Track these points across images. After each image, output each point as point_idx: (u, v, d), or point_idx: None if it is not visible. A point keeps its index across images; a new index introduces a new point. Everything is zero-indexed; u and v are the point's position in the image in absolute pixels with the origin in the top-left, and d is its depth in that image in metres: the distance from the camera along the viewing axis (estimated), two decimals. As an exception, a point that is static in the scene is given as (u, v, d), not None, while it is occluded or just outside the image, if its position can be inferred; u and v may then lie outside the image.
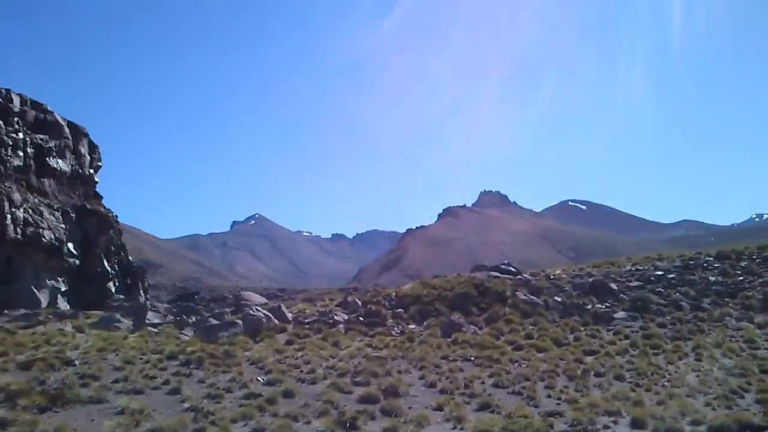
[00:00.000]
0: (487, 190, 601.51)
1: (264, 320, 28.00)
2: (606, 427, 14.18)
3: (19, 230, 48.30)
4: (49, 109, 59.16)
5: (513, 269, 40.45)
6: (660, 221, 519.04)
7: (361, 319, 29.94)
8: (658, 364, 21.72)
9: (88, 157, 62.92)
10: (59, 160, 57.53)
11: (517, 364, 21.82)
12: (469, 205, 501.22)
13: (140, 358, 20.88)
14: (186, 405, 15.11)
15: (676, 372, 20.64)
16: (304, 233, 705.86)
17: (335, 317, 29.89)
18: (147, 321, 30.49)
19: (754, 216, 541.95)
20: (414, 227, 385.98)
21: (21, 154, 52.93)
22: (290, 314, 31.12)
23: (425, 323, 29.44)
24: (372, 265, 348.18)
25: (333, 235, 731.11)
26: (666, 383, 19.08)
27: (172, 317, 32.23)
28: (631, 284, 36.15)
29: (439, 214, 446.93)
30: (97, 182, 64.90)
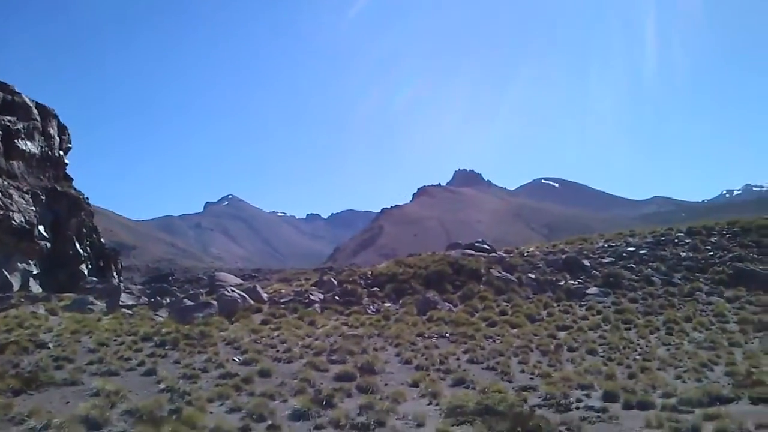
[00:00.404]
0: (461, 168, 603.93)
1: (239, 301, 27.96)
2: (579, 400, 14.42)
3: (-13, 213, 47.52)
4: (16, 90, 57.95)
5: (487, 247, 40.73)
6: (632, 198, 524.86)
7: (337, 298, 30.01)
8: (629, 339, 22.12)
9: (58, 139, 61.83)
10: (28, 142, 56.47)
11: (491, 340, 22.08)
12: (443, 184, 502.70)
13: (114, 340, 20.76)
14: (162, 386, 15.06)
15: (647, 346, 21.02)
16: (279, 213, 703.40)
17: (311, 297, 29.93)
18: (121, 303, 30.29)
19: (725, 192, 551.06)
20: (389, 206, 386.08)
21: (-13, 136, 51.89)
22: (266, 294, 31.09)
23: (401, 301, 29.61)
24: (347, 244, 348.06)
25: (308, 215, 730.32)
26: (637, 357, 19.43)
27: (146, 299, 32.05)
28: (603, 260, 36.60)
29: (414, 194, 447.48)
30: (67, 164, 63.84)
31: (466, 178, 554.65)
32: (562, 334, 23.07)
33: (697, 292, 29.81)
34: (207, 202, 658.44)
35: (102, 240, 64.56)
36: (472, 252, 38.64)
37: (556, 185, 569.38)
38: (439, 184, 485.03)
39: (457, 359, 19.07)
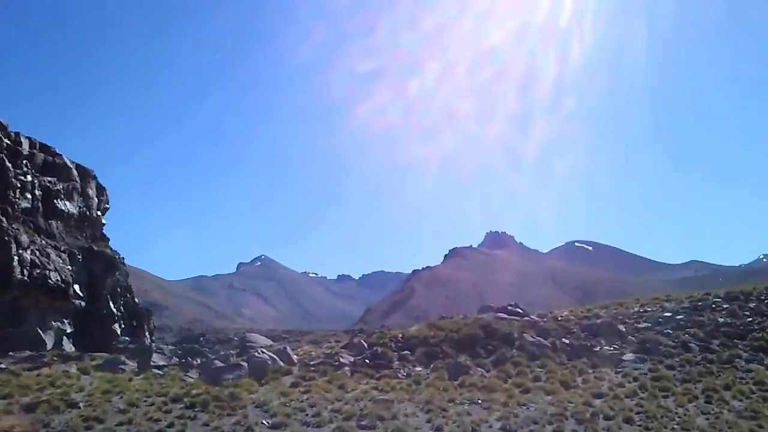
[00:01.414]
0: (492, 230, 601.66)
1: (269, 362, 27.86)
2: (616, 471, 13.98)
3: (26, 272, 48.38)
4: (57, 152, 59.75)
5: (520, 310, 40.26)
6: (667, 262, 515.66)
7: (367, 361, 29.74)
8: (667, 407, 21.47)
9: (96, 199, 63.31)
10: (67, 202, 57.88)
11: (525, 407, 21.60)
12: (475, 245, 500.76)
13: (145, 401, 20.77)
14: (190, 448, 14.97)
15: (685, 415, 20.38)
16: (311, 274, 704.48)
17: (341, 359, 29.71)
18: (152, 363, 30.37)
19: (762, 257, 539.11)
20: (420, 268, 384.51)
21: (29, 196, 53.30)
22: (296, 356, 30.95)
23: (432, 365, 29.22)
24: (378, 305, 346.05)
25: (339, 276, 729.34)
26: (675, 426, 18.85)
27: (177, 359, 32.10)
28: (639, 325, 35.89)
29: (445, 255, 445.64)
30: (104, 224, 65.16)
31: (498, 240, 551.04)
32: (597, 402, 22.49)
33: (737, 359, 28.92)
34: (240, 263, 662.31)
35: (136, 300, 65.24)
36: (505, 315, 38.20)
37: (590, 248, 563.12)
38: (471, 245, 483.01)
39: (490, 427, 18.68)
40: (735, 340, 32.10)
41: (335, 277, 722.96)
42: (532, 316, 39.45)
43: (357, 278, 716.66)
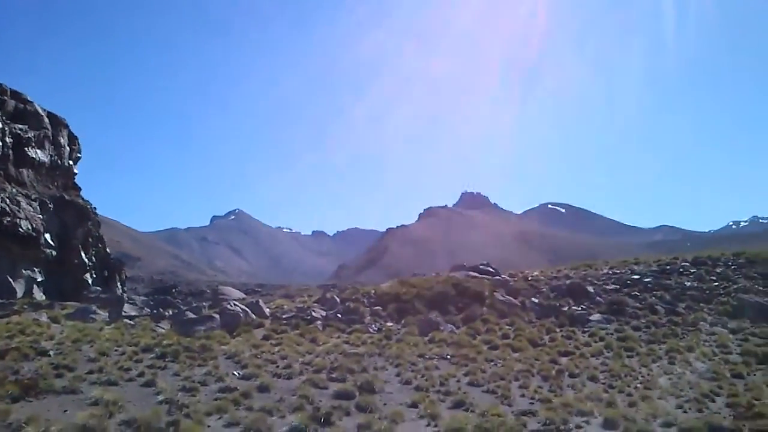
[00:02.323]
0: (468, 191, 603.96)
1: (241, 315, 27.93)
2: (578, 426, 14.32)
3: (-5, 219, 47.74)
4: (29, 99, 58.51)
5: (491, 270, 40.68)
6: (639, 226, 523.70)
7: (339, 316, 29.96)
8: (631, 367, 21.95)
9: (68, 149, 62.32)
10: (38, 151, 56.91)
11: (492, 363, 21.96)
12: (450, 205, 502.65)
13: (115, 350, 20.77)
14: (160, 397, 15.04)
15: (649, 374, 20.86)
16: (285, 230, 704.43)
17: (313, 314, 29.88)
18: (123, 313, 30.32)
19: (731, 223, 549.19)
20: (395, 226, 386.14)
21: (-1, 143, 52.32)
22: (268, 310, 31.05)
23: (403, 321, 29.52)
24: (352, 262, 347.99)
25: (314, 232, 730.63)
26: (639, 385, 19.29)
27: (149, 310, 32.06)
28: (607, 287, 36.50)
29: (420, 214, 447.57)
30: (76, 173, 64.31)
31: (473, 201, 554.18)
32: (563, 360, 22.93)
33: (701, 323, 29.62)
34: (213, 216, 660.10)
35: (107, 250, 64.83)
36: (477, 274, 38.59)
37: (563, 211, 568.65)
38: (446, 205, 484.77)
39: (458, 381, 18.98)
40: (701, 304, 32.85)
41: (310, 233, 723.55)
42: (502, 276, 39.90)
43: (331, 234, 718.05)
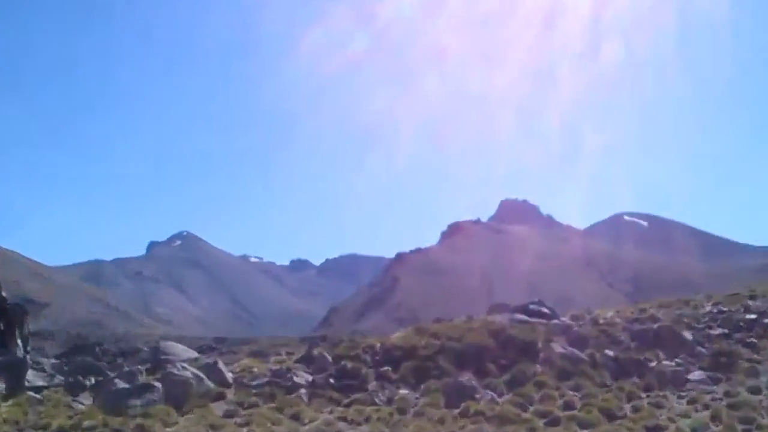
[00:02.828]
0: (509, 198, 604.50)
1: (193, 383, 27.83)
2: None
3: None
4: None
5: (546, 310, 40.56)
6: (752, 243, 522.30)
7: (332, 380, 29.85)
8: (750, 446, 21.77)
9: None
10: None
11: (552, 445, 21.83)
12: (484, 219, 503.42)
13: (15, 438, 20.70)
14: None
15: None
16: (252, 259, 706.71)
17: (295, 379, 29.78)
18: (27, 383, 30.22)
19: None
20: (408, 251, 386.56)
21: None
22: (231, 374, 30.98)
23: (423, 387, 29.38)
24: (348, 303, 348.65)
25: (293, 261, 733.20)
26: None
27: (63, 378, 31.98)
28: (712, 332, 36.32)
29: (443, 233, 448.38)
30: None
31: (517, 212, 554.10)
32: (653, 438, 22.77)
33: None
34: (151, 242, 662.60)
35: (3, 294, 64.85)
36: (525, 317, 38.49)
37: (645, 224, 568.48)
38: (479, 219, 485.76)
39: (503, 473, 18.86)
40: None
41: (287, 264, 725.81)
42: (562, 319, 39.79)
43: (318, 265, 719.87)
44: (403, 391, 29.14)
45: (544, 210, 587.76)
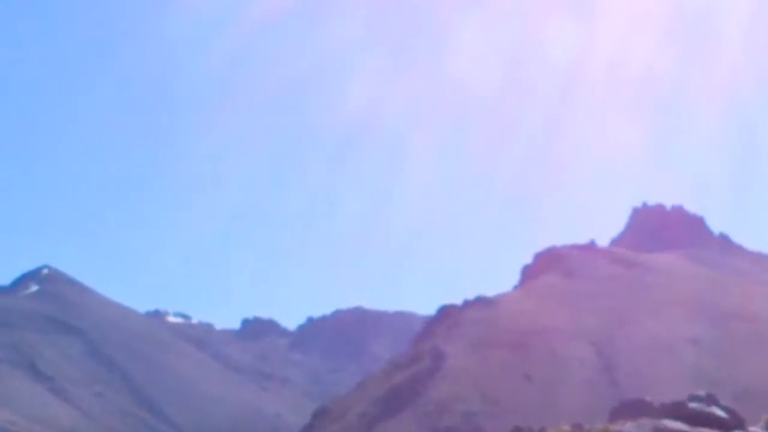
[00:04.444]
0: (645, 203, 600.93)
1: None
2: None
3: None
4: None
5: (721, 413, 40.96)
6: None
7: None
8: None
9: None
10: None
11: None
12: (604, 241, 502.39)
13: None
14: None
15: None
16: (171, 318, 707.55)
17: None
18: None
19: None
20: (459, 302, 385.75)
21: None
22: None
23: None
24: (347, 401, 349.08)
25: (246, 322, 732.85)
26: None
27: None
28: None
29: (525, 267, 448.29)
30: None
31: (663, 228, 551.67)
32: None
33: None
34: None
35: None
36: (684, 428, 39.00)
37: None
38: (592, 241, 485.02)
39: None
40: None
41: (237, 327, 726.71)
42: (751, 429, 40.24)
43: (291, 329, 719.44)
44: None
45: (716, 226, 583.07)
